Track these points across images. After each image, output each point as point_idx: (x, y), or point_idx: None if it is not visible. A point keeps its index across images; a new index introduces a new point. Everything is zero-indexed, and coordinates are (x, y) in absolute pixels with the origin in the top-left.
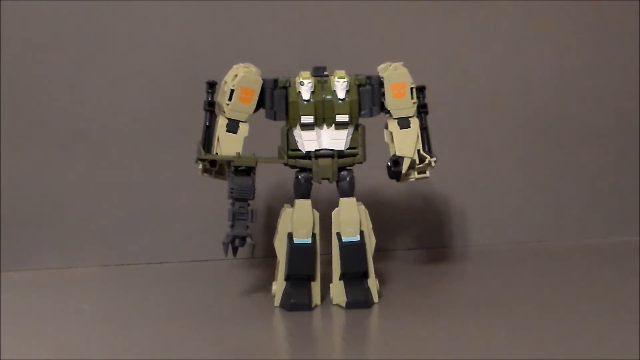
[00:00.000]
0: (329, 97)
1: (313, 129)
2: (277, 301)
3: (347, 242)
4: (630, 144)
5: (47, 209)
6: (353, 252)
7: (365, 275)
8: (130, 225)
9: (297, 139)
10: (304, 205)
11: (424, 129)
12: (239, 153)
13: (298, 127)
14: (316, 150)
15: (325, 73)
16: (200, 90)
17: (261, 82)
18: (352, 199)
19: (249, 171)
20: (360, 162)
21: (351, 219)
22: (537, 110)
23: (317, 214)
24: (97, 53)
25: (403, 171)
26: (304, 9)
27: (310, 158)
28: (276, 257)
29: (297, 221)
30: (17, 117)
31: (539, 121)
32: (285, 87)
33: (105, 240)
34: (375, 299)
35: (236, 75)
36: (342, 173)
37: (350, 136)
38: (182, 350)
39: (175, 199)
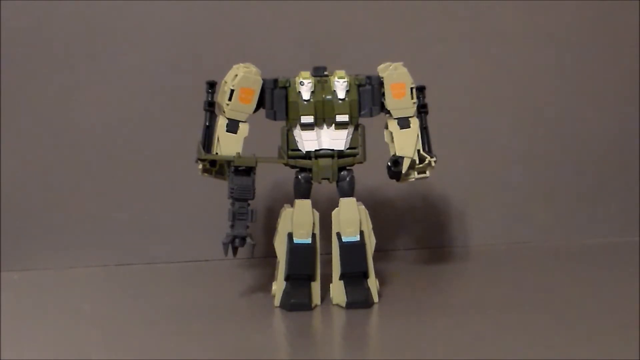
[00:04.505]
0: (329, 97)
1: (313, 129)
2: (277, 301)
3: (347, 242)
4: (630, 144)
5: (47, 209)
6: (353, 252)
7: (365, 275)
8: (130, 225)
9: (297, 139)
10: (304, 205)
11: (424, 129)
12: (239, 153)
13: (298, 127)
14: (316, 150)
15: (325, 73)
16: (200, 90)
17: (261, 82)
18: (352, 199)
19: (249, 171)
20: (360, 162)
21: (351, 219)
22: (537, 110)
23: (317, 214)
24: (97, 53)
25: (403, 171)
26: (304, 8)
27: (310, 158)
28: (276, 257)
29: (297, 221)
30: (17, 117)
31: (539, 121)
32: (285, 87)
33: (105, 240)
34: (375, 299)
35: (236, 75)
36: (342, 173)
37: (350, 136)
38: (182, 351)
39: (175, 199)
